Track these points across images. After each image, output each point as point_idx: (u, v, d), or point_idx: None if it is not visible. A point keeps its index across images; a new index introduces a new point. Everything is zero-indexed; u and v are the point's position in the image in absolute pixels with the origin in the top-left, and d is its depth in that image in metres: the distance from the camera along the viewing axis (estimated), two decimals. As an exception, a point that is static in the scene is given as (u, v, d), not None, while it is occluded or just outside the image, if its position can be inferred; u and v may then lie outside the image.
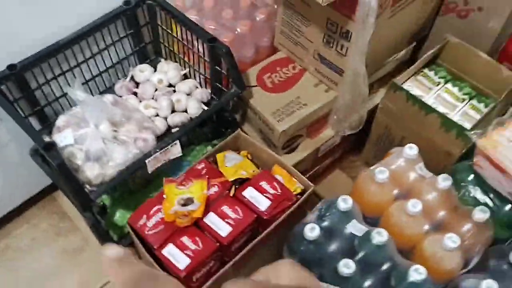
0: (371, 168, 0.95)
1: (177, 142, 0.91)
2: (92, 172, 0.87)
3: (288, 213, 0.93)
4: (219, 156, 0.97)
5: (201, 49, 1.01)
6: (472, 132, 0.89)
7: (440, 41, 1.11)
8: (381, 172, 0.93)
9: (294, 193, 0.96)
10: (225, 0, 1.11)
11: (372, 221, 0.98)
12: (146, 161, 0.88)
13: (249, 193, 0.93)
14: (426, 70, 1.15)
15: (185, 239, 0.89)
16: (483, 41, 1.08)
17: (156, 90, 1.08)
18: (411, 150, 0.96)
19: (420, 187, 0.94)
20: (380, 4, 0.86)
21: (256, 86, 1.06)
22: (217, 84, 1.03)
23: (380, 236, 0.84)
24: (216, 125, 1.12)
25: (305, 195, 0.95)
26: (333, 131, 1.08)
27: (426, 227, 0.91)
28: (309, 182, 0.97)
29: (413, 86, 1.12)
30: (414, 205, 0.88)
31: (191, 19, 1.06)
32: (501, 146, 0.86)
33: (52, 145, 0.80)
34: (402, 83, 1.11)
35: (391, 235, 0.92)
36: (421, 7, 1.01)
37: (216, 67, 0.99)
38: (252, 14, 1.09)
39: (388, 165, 0.97)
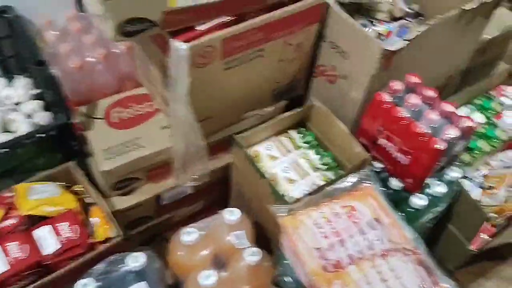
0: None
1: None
2: None
3: (84, 261, 0.86)
4: (20, 187, 0.90)
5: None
6: (282, 208, 0.81)
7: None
8: (187, 234, 0.85)
9: (99, 239, 0.89)
10: (93, 26, 1.07)
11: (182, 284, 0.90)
12: None
13: (41, 232, 0.86)
14: (292, 132, 1.08)
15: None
16: (350, 108, 1.02)
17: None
18: (230, 214, 0.89)
19: (229, 256, 0.86)
20: (201, 54, 0.80)
21: (100, 118, 1.00)
22: (56, 109, 0.97)
23: (155, 303, 0.76)
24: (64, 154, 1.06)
25: (109, 244, 0.88)
26: (175, 180, 1.02)
27: (223, 301, 0.82)
28: (120, 231, 0.90)
29: (272, 146, 1.05)
30: (206, 278, 0.80)
31: (50, 39, 1.02)
32: (303, 227, 0.78)
33: None
34: (258, 142, 1.05)
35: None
36: (275, 65, 0.95)
37: (51, 91, 0.94)
38: (114, 44, 1.04)
39: (203, 227, 0.90)
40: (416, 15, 1.28)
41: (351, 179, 0.85)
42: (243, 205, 1.09)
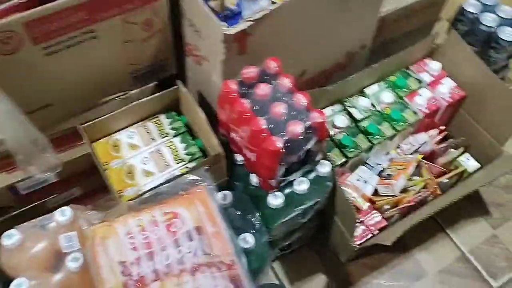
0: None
1: None
2: None
3: None
4: None
5: None
6: (96, 214, 0.73)
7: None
8: (8, 237, 0.78)
9: None
10: None
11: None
12: None
13: None
14: (162, 117, 0.99)
15: None
16: (215, 94, 0.91)
17: None
18: (61, 214, 0.81)
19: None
20: (2, 40, 0.70)
21: None
22: None
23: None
24: None
25: None
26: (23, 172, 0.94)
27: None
28: None
29: (135, 133, 0.96)
30: (16, 286, 0.74)
31: None
32: (113, 238, 0.70)
33: None
34: (121, 128, 0.95)
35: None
36: (119, 46, 0.84)
37: None
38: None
39: (36, 225, 0.82)
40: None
41: (187, 179, 0.77)
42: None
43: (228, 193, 0.85)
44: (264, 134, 0.73)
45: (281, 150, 0.72)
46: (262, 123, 0.74)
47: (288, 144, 0.74)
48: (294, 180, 0.85)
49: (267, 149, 0.72)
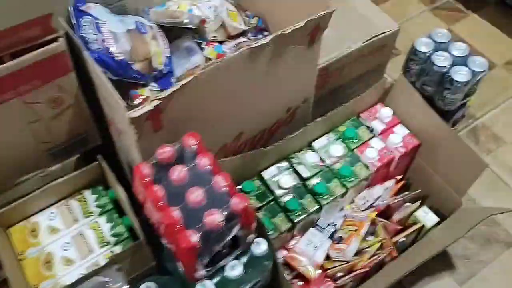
0: None
1: None
2: None
3: None
4: None
5: None
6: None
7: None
8: None
9: None
10: None
11: None
12: None
13: None
14: (87, 193, 0.90)
15: None
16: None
17: None
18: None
19: None
20: None
21: None
22: None
23: None
24: None
25: None
26: None
27: None
28: None
29: (56, 214, 0.88)
30: None
31: None
32: None
33: None
34: (42, 209, 0.87)
35: None
36: (25, 127, 0.77)
37: None
38: None
39: None
40: (260, 30, 1.08)
41: (97, 281, 0.68)
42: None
43: (151, 285, 0.77)
44: (178, 227, 0.65)
45: (196, 246, 0.64)
46: (176, 214, 0.66)
47: (207, 236, 0.66)
48: (225, 264, 0.77)
49: (181, 246, 0.64)
